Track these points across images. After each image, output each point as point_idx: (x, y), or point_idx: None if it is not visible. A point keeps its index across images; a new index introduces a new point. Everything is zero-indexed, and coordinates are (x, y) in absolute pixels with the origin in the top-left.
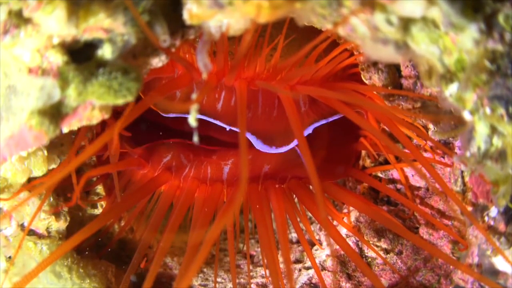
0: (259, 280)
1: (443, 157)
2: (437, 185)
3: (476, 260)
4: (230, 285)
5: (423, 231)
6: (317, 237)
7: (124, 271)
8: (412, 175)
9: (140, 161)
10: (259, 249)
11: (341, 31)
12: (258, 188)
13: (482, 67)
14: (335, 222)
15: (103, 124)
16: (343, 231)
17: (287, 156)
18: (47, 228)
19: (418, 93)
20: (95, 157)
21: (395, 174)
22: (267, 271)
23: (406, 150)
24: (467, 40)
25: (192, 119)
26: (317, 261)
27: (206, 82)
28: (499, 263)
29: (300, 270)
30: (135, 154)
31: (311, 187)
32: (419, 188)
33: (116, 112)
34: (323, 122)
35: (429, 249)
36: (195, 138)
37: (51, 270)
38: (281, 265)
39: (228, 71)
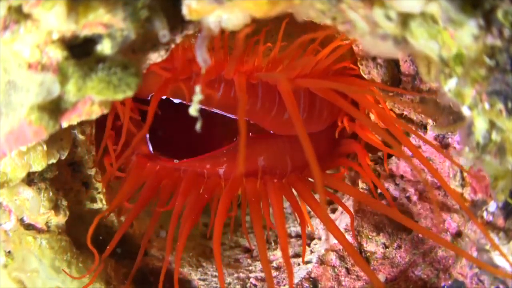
0: (258, 274)
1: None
2: (435, 180)
3: (475, 254)
4: (229, 279)
5: (422, 225)
6: (316, 232)
7: (124, 266)
8: (411, 169)
9: (140, 162)
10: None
11: (340, 26)
12: (256, 183)
13: (481, 62)
14: (333, 216)
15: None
16: (342, 225)
17: (280, 145)
18: (47, 222)
19: (418, 87)
20: (94, 152)
21: (394, 168)
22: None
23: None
24: (466, 36)
25: (194, 110)
26: (316, 255)
27: (204, 74)
28: (498, 258)
29: (299, 264)
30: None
31: (310, 179)
32: (418, 182)
33: None
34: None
35: (427, 234)
36: (198, 126)
37: (50, 264)
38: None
39: (227, 65)
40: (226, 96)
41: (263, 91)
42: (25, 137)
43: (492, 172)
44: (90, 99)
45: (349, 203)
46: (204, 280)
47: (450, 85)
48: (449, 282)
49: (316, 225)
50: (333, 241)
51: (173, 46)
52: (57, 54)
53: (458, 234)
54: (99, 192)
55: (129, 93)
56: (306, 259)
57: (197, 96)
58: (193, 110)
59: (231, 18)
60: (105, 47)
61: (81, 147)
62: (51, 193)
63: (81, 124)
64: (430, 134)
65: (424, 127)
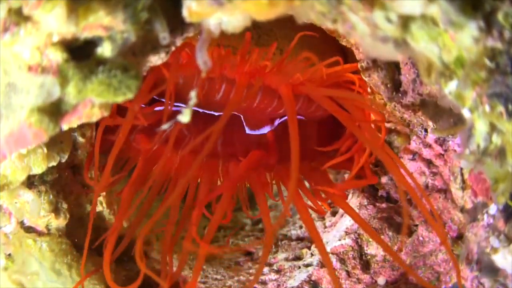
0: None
1: (443, 155)
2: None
3: (475, 257)
4: (230, 282)
5: (422, 229)
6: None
7: (124, 268)
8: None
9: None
10: (259, 246)
11: (341, 28)
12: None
13: (481, 64)
14: (333, 219)
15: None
16: (343, 228)
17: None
18: (47, 225)
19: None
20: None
21: None
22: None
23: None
24: (466, 38)
25: (186, 116)
26: (316, 258)
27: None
28: (499, 260)
29: (299, 267)
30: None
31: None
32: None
33: None
34: None
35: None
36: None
37: (51, 267)
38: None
39: (229, 64)
40: (226, 98)
41: (263, 93)
42: (25, 139)
43: (492, 174)
44: (91, 102)
45: (353, 200)
46: (204, 283)
47: (450, 88)
48: (450, 285)
49: (317, 228)
50: (333, 244)
51: (173, 48)
52: (57, 56)
53: (459, 237)
54: (99, 195)
55: (129, 96)
56: (306, 262)
57: (193, 101)
58: (185, 116)
59: (231, 20)
60: (105, 50)
61: (81, 150)
62: (51, 196)
63: (81, 126)
64: (431, 137)
65: (425, 129)
